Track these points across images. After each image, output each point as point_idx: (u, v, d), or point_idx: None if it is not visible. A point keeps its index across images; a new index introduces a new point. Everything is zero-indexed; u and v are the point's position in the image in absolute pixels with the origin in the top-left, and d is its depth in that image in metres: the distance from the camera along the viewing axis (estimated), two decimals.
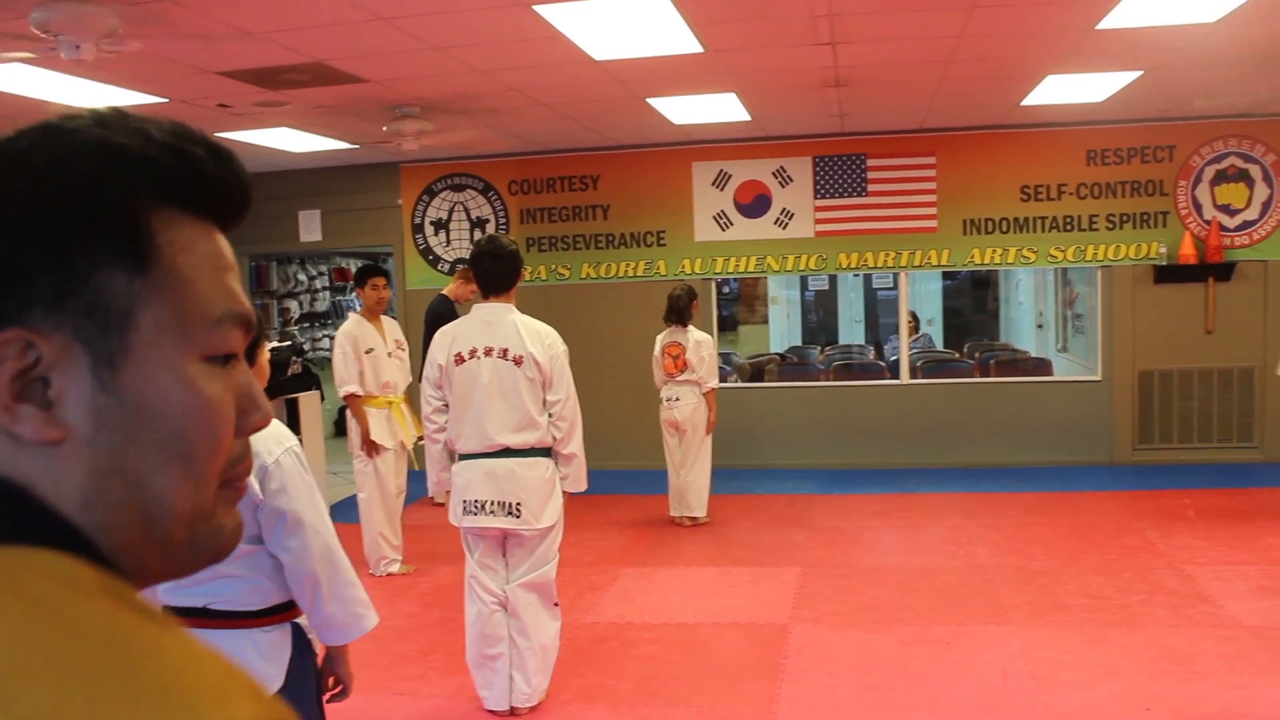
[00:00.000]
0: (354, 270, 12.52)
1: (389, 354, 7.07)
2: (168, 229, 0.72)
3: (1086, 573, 6.66)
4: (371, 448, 6.86)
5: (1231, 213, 9.68)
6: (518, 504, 4.53)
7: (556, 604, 4.79)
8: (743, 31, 6.04)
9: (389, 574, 6.94)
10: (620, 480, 9.79)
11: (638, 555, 7.40)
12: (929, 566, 6.94)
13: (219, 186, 0.76)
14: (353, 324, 7.02)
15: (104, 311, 0.69)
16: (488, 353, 4.56)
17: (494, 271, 4.66)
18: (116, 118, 0.74)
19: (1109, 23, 5.90)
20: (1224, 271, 9.72)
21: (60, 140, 0.71)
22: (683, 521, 8.16)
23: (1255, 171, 9.64)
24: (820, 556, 7.22)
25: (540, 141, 9.86)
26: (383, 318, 7.17)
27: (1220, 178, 9.69)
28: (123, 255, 0.70)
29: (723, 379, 8.73)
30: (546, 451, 4.61)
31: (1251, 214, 9.67)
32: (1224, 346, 9.84)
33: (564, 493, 4.72)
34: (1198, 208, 9.70)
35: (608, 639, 5.71)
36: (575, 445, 4.66)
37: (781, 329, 17.10)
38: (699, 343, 7.98)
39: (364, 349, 6.93)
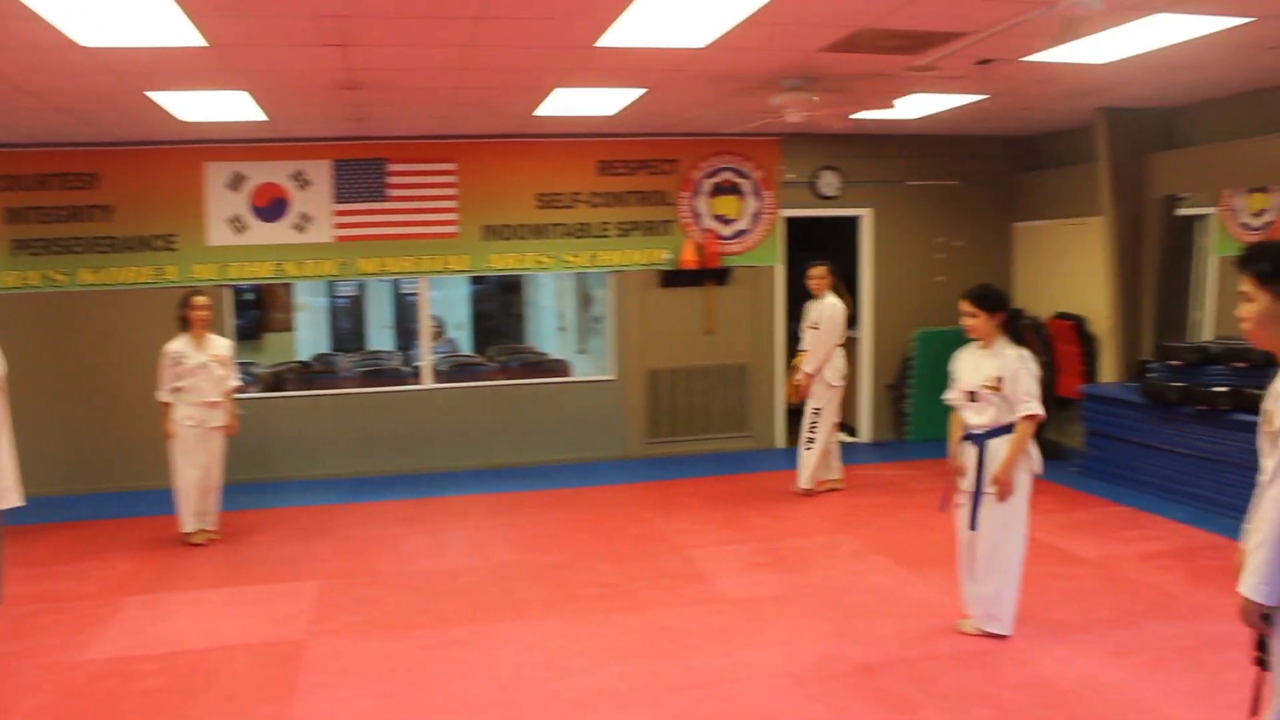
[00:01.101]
0: None
1: None
2: None
3: (598, 563, 7.03)
4: None
5: (726, 222, 10.60)
6: None
7: None
8: (249, 27, 5.77)
9: None
10: (130, 502, 9.11)
11: (145, 581, 6.88)
12: (451, 569, 7.02)
13: None
14: None
15: None
16: None
17: None
18: None
19: (606, 41, 6.24)
20: (721, 276, 10.63)
21: None
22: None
23: (746, 186, 10.62)
24: (341, 567, 7.10)
25: (30, 134, 8.91)
26: None
27: (716, 190, 10.57)
28: None
29: (243, 390, 8.33)
30: None
31: (743, 224, 10.64)
32: (721, 346, 10.76)
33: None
34: (697, 217, 10.52)
35: (105, 677, 5.24)
36: None
37: (309, 336, 16.63)
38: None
39: None
